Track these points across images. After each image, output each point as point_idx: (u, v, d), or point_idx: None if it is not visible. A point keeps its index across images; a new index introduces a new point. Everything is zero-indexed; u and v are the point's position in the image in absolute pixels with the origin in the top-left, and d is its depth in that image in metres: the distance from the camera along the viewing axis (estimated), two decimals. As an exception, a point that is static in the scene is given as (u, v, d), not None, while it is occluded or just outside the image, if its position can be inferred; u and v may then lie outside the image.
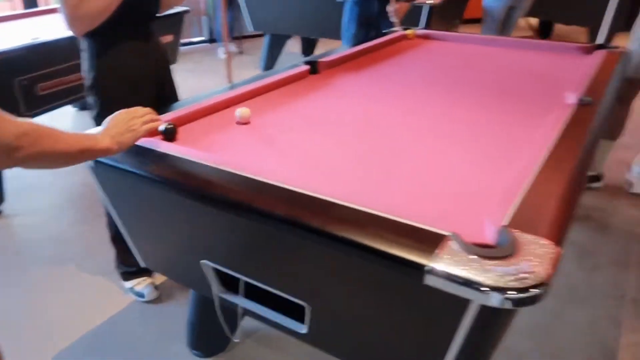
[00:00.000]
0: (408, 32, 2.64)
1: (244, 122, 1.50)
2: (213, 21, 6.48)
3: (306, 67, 1.96)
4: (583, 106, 1.48)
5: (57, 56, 2.70)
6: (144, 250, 1.49)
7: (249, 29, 5.35)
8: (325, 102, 1.69)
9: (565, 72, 1.93)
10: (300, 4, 4.78)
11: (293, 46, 5.99)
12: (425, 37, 2.64)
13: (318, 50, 6.03)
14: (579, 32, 6.55)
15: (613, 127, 2.83)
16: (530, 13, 6.31)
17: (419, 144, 1.35)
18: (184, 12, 3.76)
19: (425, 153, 1.29)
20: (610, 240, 2.47)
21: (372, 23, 3.07)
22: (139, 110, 1.24)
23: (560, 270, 2.20)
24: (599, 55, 2.08)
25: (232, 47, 6.22)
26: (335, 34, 4.74)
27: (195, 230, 1.24)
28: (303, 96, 1.73)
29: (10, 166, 0.93)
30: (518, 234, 0.87)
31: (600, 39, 2.97)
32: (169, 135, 1.36)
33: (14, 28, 3.16)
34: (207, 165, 1.15)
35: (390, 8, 2.92)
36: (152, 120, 1.25)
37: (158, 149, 1.24)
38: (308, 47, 5.98)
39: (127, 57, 1.72)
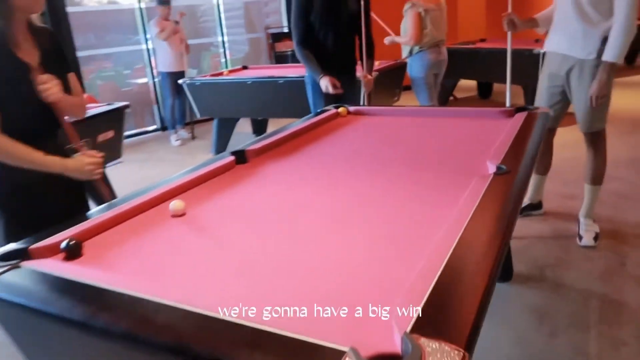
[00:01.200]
0: (340, 109, 2.66)
1: (179, 214, 1.48)
2: (163, 109, 6.54)
3: (232, 158, 1.91)
4: (500, 175, 1.46)
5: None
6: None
7: (197, 115, 5.42)
8: (242, 196, 1.62)
9: (489, 138, 1.94)
10: (241, 89, 4.87)
11: (245, 127, 6.03)
12: (358, 113, 2.67)
13: (270, 128, 6.10)
14: (518, 88, 6.86)
15: (543, 165, 3.12)
16: (470, 77, 6.70)
17: (330, 236, 1.28)
18: (124, 107, 3.74)
19: (335, 247, 1.22)
20: (568, 299, 2.40)
21: (338, 97, 3.08)
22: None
23: (519, 341, 2.11)
24: (520, 118, 2.11)
25: (184, 133, 6.24)
26: (281, 113, 4.83)
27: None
28: (222, 191, 1.66)
29: None
30: (423, 340, 0.79)
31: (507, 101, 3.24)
32: (72, 252, 1.27)
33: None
34: (102, 289, 1.05)
35: (362, 77, 3.16)
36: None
37: (52, 272, 1.15)
38: (259, 126, 6.05)
39: (33, 172, 1.61)
